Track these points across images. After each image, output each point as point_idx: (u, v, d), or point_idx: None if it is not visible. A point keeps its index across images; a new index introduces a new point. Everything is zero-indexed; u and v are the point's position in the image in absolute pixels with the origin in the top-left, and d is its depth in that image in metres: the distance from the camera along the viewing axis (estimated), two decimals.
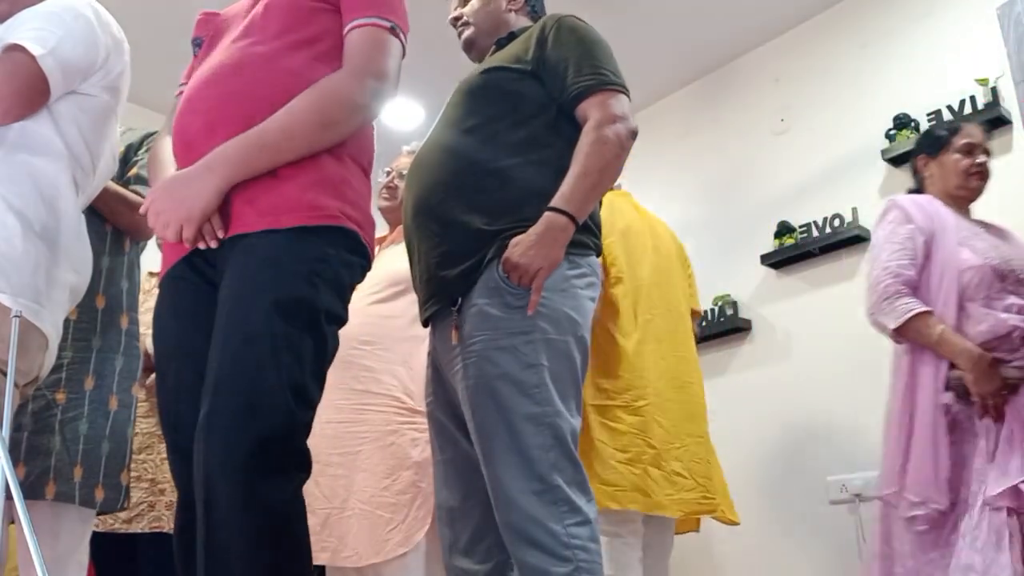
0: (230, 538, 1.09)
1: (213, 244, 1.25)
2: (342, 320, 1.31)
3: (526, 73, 1.65)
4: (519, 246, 1.47)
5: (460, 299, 1.53)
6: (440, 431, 1.67)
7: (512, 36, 1.79)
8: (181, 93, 1.47)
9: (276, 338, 1.18)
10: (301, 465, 1.20)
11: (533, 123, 1.63)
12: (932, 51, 3.06)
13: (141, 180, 1.88)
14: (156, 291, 2.31)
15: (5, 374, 1.21)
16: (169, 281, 1.35)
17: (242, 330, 1.18)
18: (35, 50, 1.35)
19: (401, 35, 1.43)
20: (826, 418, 2.97)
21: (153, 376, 2.14)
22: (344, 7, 1.41)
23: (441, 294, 1.58)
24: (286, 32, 1.37)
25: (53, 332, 1.37)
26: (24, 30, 1.37)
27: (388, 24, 1.39)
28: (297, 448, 1.19)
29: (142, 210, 1.30)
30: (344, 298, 1.31)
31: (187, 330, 1.29)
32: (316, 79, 1.32)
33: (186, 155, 1.33)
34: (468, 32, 1.85)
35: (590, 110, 1.59)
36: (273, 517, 1.12)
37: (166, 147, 1.42)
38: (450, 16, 1.88)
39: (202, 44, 1.49)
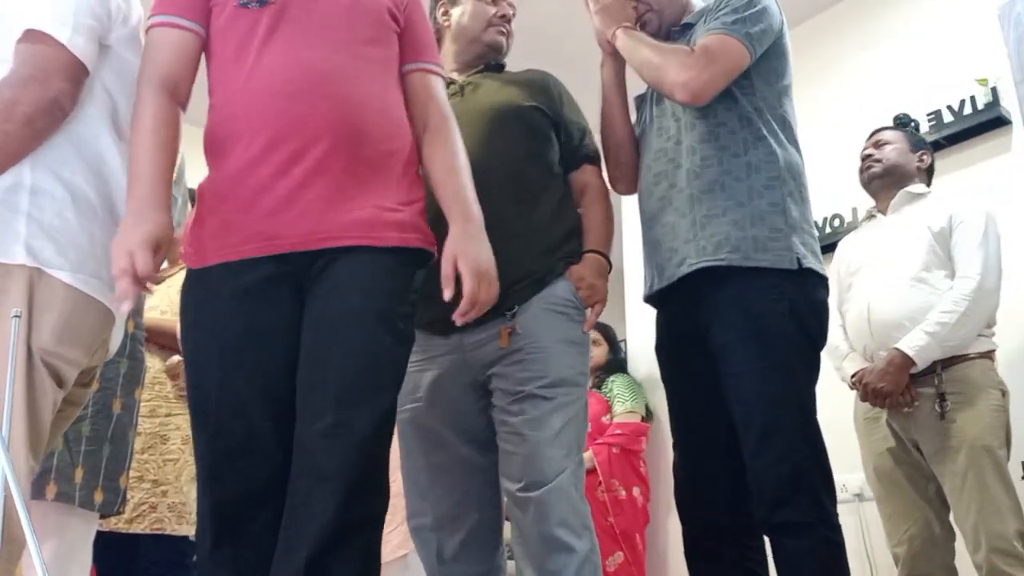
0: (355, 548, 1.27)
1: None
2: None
3: (553, 123, 1.77)
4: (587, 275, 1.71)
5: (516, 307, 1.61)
6: (426, 435, 1.66)
7: (501, 65, 1.86)
8: (161, 23, 1.33)
9: (386, 351, 1.26)
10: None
11: (555, 165, 1.78)
12: (932, 51, 3.06)
13: None
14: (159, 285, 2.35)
15: (48, 364, 1.18)
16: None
17: (359, 344, 1.24)
18: (60, 34, 1.22)
19: None
20: (826, 418, 2.95)
21: (177, 359, 2.16)
22: (409, 43, 1.44)
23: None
24: (374, 43, 1.38)
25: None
26: (35, 5, 1.23)
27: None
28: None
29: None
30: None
31: (256, 319, 1.28)
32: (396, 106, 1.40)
33: (274, 143, 1.28)
34: (509, 42, 1.88)
35: (592, 176, 1.80)
36: (377, 528, 1.30)
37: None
38: (508, 11, 1.87)
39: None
